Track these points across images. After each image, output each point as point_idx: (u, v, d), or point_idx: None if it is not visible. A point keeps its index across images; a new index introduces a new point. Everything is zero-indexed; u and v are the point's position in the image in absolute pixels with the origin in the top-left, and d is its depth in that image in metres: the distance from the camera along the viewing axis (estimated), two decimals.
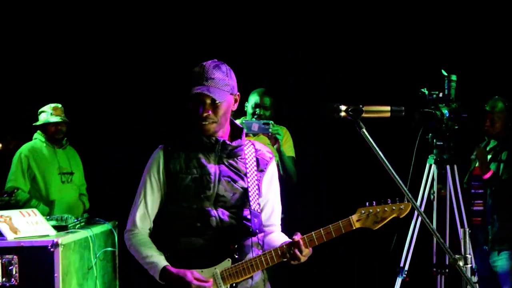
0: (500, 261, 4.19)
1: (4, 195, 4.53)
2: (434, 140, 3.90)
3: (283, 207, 2.74)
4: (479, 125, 4.31)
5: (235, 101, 2.60)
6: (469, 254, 2.48)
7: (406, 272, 3.85)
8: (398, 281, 3.86)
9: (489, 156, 4.30)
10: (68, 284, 3.62)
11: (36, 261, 3.52)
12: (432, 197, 3.89)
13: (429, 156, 3.93)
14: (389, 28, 5.29)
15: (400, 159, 3.25)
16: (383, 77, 5.22)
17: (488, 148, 4.34)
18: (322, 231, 2.46)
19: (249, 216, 2.55)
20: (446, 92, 3.84)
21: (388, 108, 2.51)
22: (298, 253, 2.44)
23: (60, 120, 4.96)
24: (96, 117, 5.70)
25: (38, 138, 5.02)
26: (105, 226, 4.25)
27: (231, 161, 2.58)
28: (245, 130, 2.67)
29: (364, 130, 2.40)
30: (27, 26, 5.72)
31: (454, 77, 3.84)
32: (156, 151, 2.65)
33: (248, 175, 2.57)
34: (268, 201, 2.67)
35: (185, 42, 5.55)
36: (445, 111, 3.77)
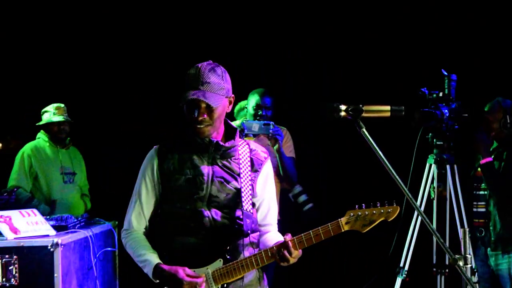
0: (505, 264, 4.16)
1: (4, 194, 4.53)
2: (434, 140, 3.89)
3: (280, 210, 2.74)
4: (479, 125, 4.30)
5: (230, 103, 2.60)
6: (469, 254, 2.47)
7: (406, 272, 3.85)
8: (398, 281, 3.86)
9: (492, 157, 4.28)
10: (68, 284, 3.61)
11: (36, 261, 3.52)
12: (432, 195, 3.88)
13: (429, 156, 3.92)
14: (389, 28, 5.29)
15: (400, 159, 3.25)
16: (383, 77, 5.22)
17: (491, 149, 4.33)
18: (311, 233, 2.48)
19: (241, 217, 2.56)
20: (446, 91, 3.83)
21: (388, 107, 2.50)
22: (287, 254, 2.45)
23: (63, 119, 4.97)
24: (96, 117, 5.70)
25: (41, 138, 5.03)
26: (105, 226, 4.25)
27: (224, 162, 2.59)
28: (245, 131, 2.67)
29: (364, 129, 2.39)
30: (28, 26, 5.73)
31: (454, 77, 3.84)
32: (151, 152, 2.67)
33: (241, 175, 2.58)
34: (263, 200, 2.67)
35: (185, 42, 5.55)
36: (445, 111, 3.77)
